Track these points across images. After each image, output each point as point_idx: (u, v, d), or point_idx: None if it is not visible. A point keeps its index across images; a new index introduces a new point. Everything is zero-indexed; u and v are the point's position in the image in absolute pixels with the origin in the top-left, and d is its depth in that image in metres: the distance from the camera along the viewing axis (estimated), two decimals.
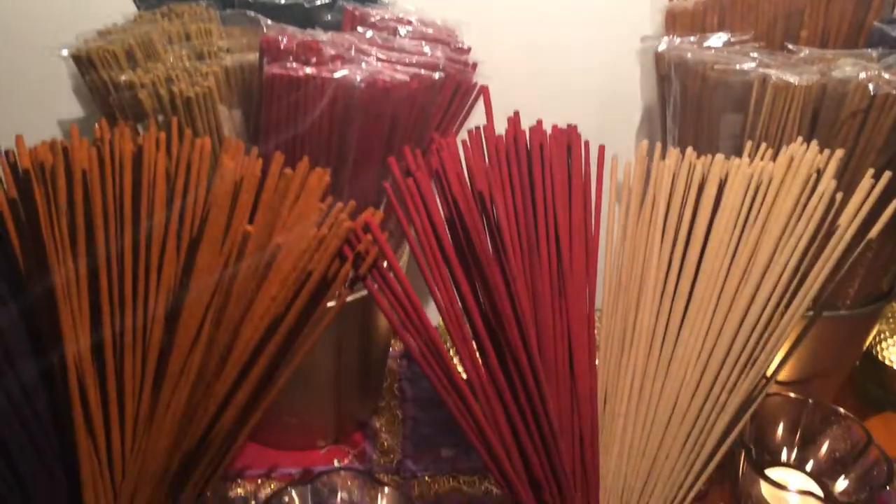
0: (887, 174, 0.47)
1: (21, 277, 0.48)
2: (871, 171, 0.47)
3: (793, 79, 0.58)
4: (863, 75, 0.56)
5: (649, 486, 0.51)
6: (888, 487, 0.73)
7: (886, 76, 0.56)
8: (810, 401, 0.71)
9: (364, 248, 0.46)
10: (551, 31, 0.78)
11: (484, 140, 0.53)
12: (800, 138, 0.50)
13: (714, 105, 0.63)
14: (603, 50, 0.79)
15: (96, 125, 0.52)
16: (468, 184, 0.50)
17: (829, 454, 0.71)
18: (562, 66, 0.79)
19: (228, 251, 0.40)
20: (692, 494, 0.50)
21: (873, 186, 0.46)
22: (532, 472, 0.50)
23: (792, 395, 0.72)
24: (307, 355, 0.67)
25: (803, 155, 0.48)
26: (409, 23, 0.66)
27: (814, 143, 0.48)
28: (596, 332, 0.53)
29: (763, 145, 0.53)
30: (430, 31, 0.66)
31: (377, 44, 0.61)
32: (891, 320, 0.83)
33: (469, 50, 0.66)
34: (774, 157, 0.51)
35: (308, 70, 0.54)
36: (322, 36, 0.58)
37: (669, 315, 0.51)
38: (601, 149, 0.55)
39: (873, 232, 0.46)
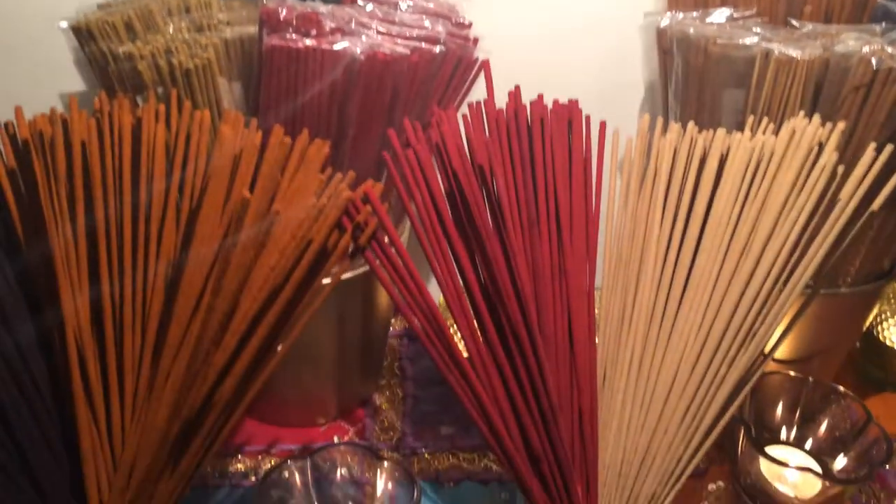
0: (889, 147, 0.47)
1: (20, 248, 0.48)
2: (873, 145, 0.46)
3: (795, 53, 0.58)
4: (866, 49, 0.55)
5: (648, 461, 0.51)
6: (888, 466, 0.74)
7: (890, 50, 0.55)
8: (810, 379, 0.71)
9: (363, 218, 0.45)
10: (553, 6, 0.78)
11: (484, 114, 0.53)
12: (801, 112, 0.50)
13: (716, 80, 0.63)
14: (605, 25, 0.78)
15: (96, 98, 0.52)
16: (468, 157, 0.50)
17: (829, 432, 0.71)
18: (563, 42, 0.79)
19: (228, 220, 0.40)
20: (690, 468, 0.50)
21: (875, 160, 0.46)
22: (531, 446, 0.50)
23: (792, 373, 0.72)
24: (308, 331, 0.67)
25: (805, 128, 0.47)
26: None
27: (816, 117, 0.48)
28: (596, 310, 0.53)
29: (765, 120, 0.53)
30: (431, 5, 0.65)
31: (377, 17, 0.60)
32: (892, 300, 0.83)
33: (470, 25, 0.66)
34: (776, 132, 0.51)
35: (308, 42, 0.53)
36: (322, 8, 0.57)
37: (669, 290, 0.51)
38: (602, 125, 0.55)
39: (875, 204, 0.46)
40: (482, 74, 0.61)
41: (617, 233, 0.53)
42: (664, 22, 0.68)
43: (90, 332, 0.46)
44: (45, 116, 0.49)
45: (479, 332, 0.50)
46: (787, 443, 0.72)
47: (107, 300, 0.46)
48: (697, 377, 0.50)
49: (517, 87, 0.54)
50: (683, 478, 0.51)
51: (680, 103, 0.67)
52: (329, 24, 0.56)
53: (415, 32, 0.59)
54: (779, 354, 0.74)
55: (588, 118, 0.55)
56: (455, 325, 0.51)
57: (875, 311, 0.76)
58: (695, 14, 0.68)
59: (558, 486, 0.50)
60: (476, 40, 0.63)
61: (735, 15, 0.67)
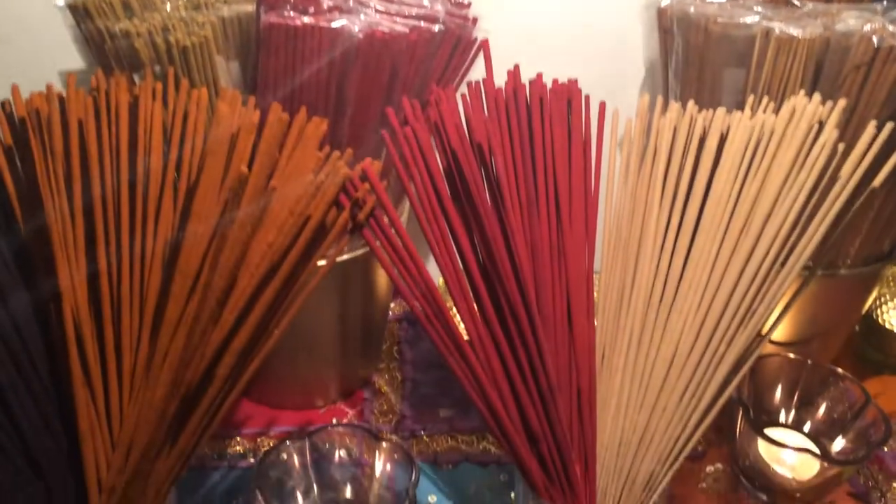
0: (889, 125, 0.46)
1: (18, 227, 0.48)
2: (873, 123, 0.46)
3: (796, 32, 0.57)
4: (867, 28, 0.55)
5: (646, 440, 0.51)
6: (885, 448, 0.74)
7: (891, 28, 0.55)
8: (809, 361, 0.71)
9: (362, 195, 0.45)
10: None
11: (483, 93, 0.52)
12: (802, 91, 0.49)
13: (717, 60, 0.63)
14: (605, 5, 0.78)
15: (93, 76, 0.51)
16: (467, 136, 0.49)
17: (827, 415, 0.71)
18: (563, 22, 0.78)
19: (225, 197, 0.40)
20: (688, 448, 0.51)
21: (875, 137, 0.45)
22: (530, 427, 0.50)
23: (791, 355, 0.72)
24: (308, 314, 0.67)
25: (805, 107, 0.47)
26: None
27: (816, 95, 0.48)
28: (595, 292, 0.52)
29: (765, 99, 0.53)
30: None
31: None
32: (891, 284, 0.83)
33: (469, 4, 0.66)
34: (777, 111, 0.50)
35: (306, 20, 0.53)
36: None
37: (669, 269, 0.51)
38: (602, 105, 0.55)
39: (877, 181, 0.45)
40: (481, 55, 0.60)
41: (616, 213, 0.53)
42: (665, 1, 0.68)
43: (88, 310, 0.46)
44: (41, 95, 0.48)
45: (477, 313, 0.50)
46: (785, 425, 0.73)
47: (104, 278, 0.45)
48: (696, 356, 0.50)
49: (516, 66, 0.53)
50: (681, 457, 0.51)
51: (680, 83, 0.67)
52: (327, 2, 0.55)
53: (413, 11, 0.59)
54: (778, 336, 0.74)
55: (587, 98, 0.54)
56: (454, 306, 0.51)
57: (874, 294, 0.76)
58: None
59: (557, 467, 0.50)
60: (475, 20, 0.63)
61: None
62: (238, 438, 0.73)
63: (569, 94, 0.54)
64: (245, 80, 0.59)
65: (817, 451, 0.66)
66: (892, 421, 0.65)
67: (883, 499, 0.68)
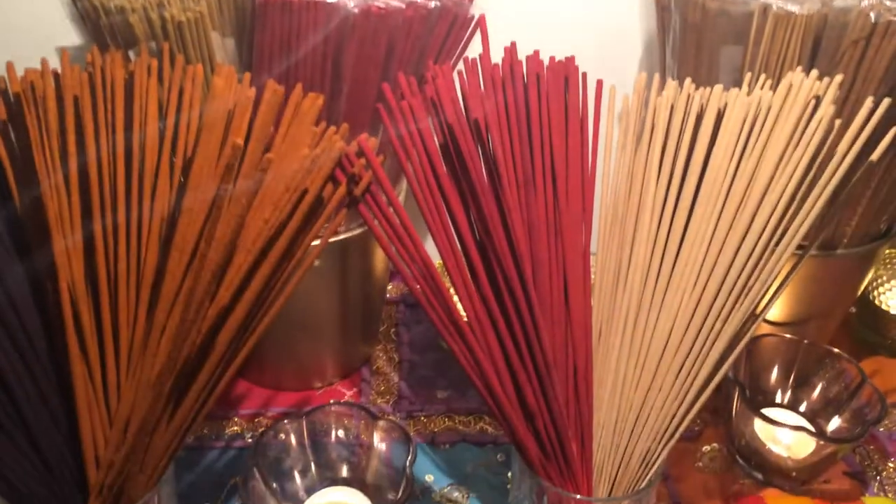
0: (887, 100, 0.46)
1: (13, 203, 0.47)
2: (870, 98, 0.46)
3: (794, 8, 0.57)
4: (864, 3, 0.55)
5: (642, 418, 0.51)
6: (881, 428, 0.74)
7: (888, 3, 0.55)
8: (805, 341, 0.71)
9: (358, 170, 0.45)
10: None
11: (480, 69, 0.52)
12: (799, 67, 0.49)
13: (714, 37, 0.62)
14: None
15: (88, 53, 0.51)
16: (463, 112, 0.49)
17: (823, 395, 0.71)
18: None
19: (221, 171, 0.40)
20: (684, 425, 0.51)
21: (873, 112, 0.45)
22: (526, 403, 0.50)
23: (787, 336, 0.72)
24: (305, 294, 0.67)
25: (802, 82, 0.47)
26: None
27: (813, 71, 0.48)
28: (592, 272, 0.52)
29: (762, 76, 0.53)
30: None
31: None
32: (888, 265, 0.83)
33: None
34: (774, 88, 0.50)
35: None
36: None
37: (665, 247, 0.51)
38: (599, 83, 0.55)
39: (875, 154, 0.45)
40: (478, 34, 0.60)
41: (613, 190, 0.53)
42: None
43: (84, 286, 0.46)
44: (36, 71, 0.48)
45: (475, 291, 0.50)
46: (781, 405, 0.73)
47: (101, 254, 0.45)
48: (692, 334, 0.50)
49: (513, 43, 0.53)
50: (678, 434, 0.51)
51: (677, 61, 0.67)
52: None
53: None
54: (774, 317, 0.74)
55: (584, 75, 0.54)
56: (452, 285, 0.51)
57: (871, 275, 0.76)
58: None
59: (553, 444, 0.50)
60: None
61: None
62: (236, 419, 0.73)
63: (566, 71, 0.54)
64: (241, 56, 0.58)
65: (813, 429, 0.67)
66: (887, 401, 0.66)
67: (878, 477, 0.69)
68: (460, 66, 0.53)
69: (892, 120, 0.48)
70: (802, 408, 0.72)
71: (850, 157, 0.45)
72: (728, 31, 0.61)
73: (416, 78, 0.55)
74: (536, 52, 0.53)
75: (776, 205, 0.47)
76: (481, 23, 0.55)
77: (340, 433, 0.64)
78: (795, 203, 0.47)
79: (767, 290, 0.49)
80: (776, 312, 0.74)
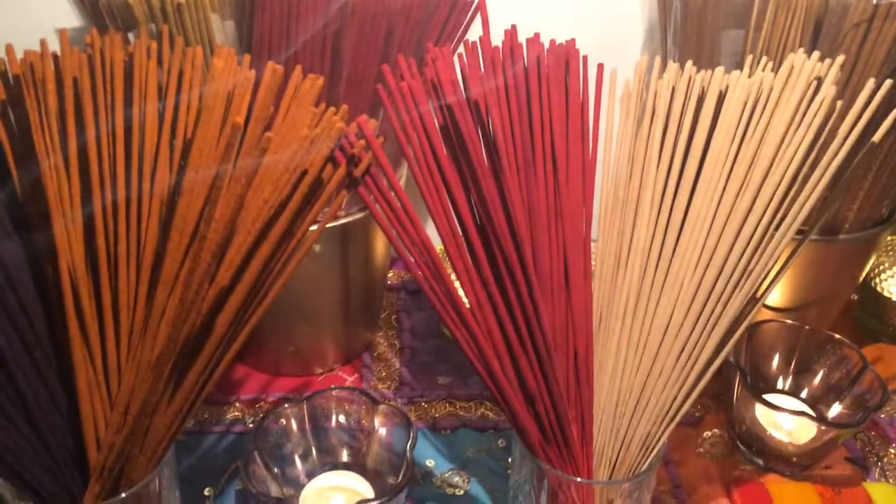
0: (889, 82, 0.46)
1: (13, 185, 0.47)
2: (871, 80, 0.46)
3: None
4: None
5: (643, 402, 0.51)
6: (882, 414, 0.74)
7: None
8: (806, 327, 0.71)
9: (358, 151, 0.45)
10: None
11: (480, 51, 0.52)
12: (801, 49, 0.49)
13: (715, 21, 0.62)
14: None
15: (87, 34, 0.51)
16: (463, 93, 0.49)
17: (824, 381, 0.71)
18: None
19: (221, 152, 0.40)
20: (684, 409, 0.51)
21: (874, 93, 0.45)
22: (526, 386, 0.50)
23: (788, 321, 0.72)
24: (306, 279, 0.67)
25: (803, 63, 0.47)
26: None
27: (815, 53, 0.48)
28: (592, 259, 0.52)
29: (764, 59, 0.52)
30: None
31: None
32: (890, 252, 0.83)
33: None
34: (775, 71, 0.50)
35: None
36: None
37: (666, 230, 0.51)
38: (600, 67, 0.55)
39: (877, 136, 0.45)
40: (478, 18, 0.60)
41: (614, 174, 0.53)
42: None
43: (85, 269, 0.46)
44: (35, 52, 0.48)
45: (475, 273, 0.50)
46: (782, 392, 0.73)
47: (101, 236, 0.45)
48: (692, 318, 0.50)
49: (513, 26, 0.53)
50: (678, 418, 0.51)
51: (678, 46, 0.66)
52: None
53: None
54: (776, 303, 0.74)
55: (585, 59, 0.54)
56: (452, 269, 0.51)
57: (872, 261, 0.76)
58: None
59: (553, 427, 0.50)
60: None
61: None
62: (237, 404, 0.73)
63: (566, 54, 0.53)
64: (241, 40, 0.58)
65: (814, 414, 0.67)
66: (889, 387, 0.66)
67: (879, 463, 0.69)
68: (460, 49, 0.53)
69: (893, 103, 0.48)
70: (804, 394, 0.72)
71: (851, 138, 0.45)
72: (729, 15, 0.61)
73: (416, 62, 0.54)
74: (537, 35, 0.53)
75: (777, 187, 0.47)
76: (481, 6, 0.55)
77: (341, 418, 0.64)
78: (796, 186, 0.47)
79: (767, 274, 0.49)
80: (778, 298, 0.74)
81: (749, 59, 0.54)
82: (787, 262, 0.50)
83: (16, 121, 0.48)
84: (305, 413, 0.62)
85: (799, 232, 0.48)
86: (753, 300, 0.50)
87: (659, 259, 0.51)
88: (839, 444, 0.67)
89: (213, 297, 0.43)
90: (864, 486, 0.66)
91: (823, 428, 0.63)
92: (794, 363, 0.72)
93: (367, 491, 0.61)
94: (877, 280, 0.83)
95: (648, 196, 0.51)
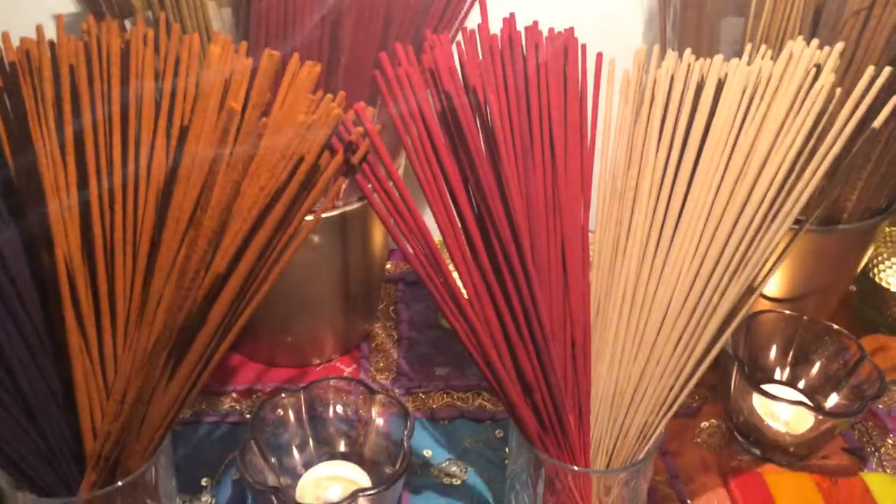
0: (888, 69, 0.46)
1: (10, 173, 0.47)
2: (871, 67, 0.46)
3: None
4: None
5: (640, 391, 0.51)
6: (880, 405, 0.74)
7: None
8: (804, 317, 0.71)
9: (355, 138, 0.45)
10: None
11: (478, 39, 0.52)
12: (800, 36, 0.49)
13: (715, 9, 0.62)
14: None
15: (83, 22, 0.51)
16: (461, 81, 0.49)
17: (822, 371, 0.71)
18: None
19: (217, 139, 0.39)
20: (681, 398, 0.51)
21: (873, 80, 0.45)
22: (524, 376, 0.50)
23: (786, 312, 0.72)
24: (304, 269, 0.67)
25: (802, 51, 0.47)
26: None
27: (814, 40, 0.47)
28: (590, 249, 0.52)
29: (763, 47, 0.52)
30: None
31: None
32: (889, 243, 0.83)
33: None
34: (775, 59, 0.50)
35: None
36: None
37: (664, 219, 0.50)
38: (599, 56, 0.54)
39: (877, 122, 0.45)
40: (477, 7, 0.60)
41: (612, 163, 0.53)
42: None
43: (81, 257, 0.46)
44: (32, 40, 0.48)
45: (473, 264, 0.50)
46: (780, 382, 0.73)
47: (97, 224, 0.45)
48: (689, 307, 0.50)
49: (512, 14, 0.53)
50: (675, 407, 0.51)
51: (678, 34, 0.66)
52: None
53: None
54: (774, 293, 0.74)
55: (584, 47, 0.54)
56: (450, 259, 0.51)
57: (871, 251, 0.76)
58: None
59: (551, 416, 0.50)
60: None
61: None
62: (234, 395, 0.73)
63: (565, 43, 0.53)
64: (237, 26, 0.58)
65: (811, 404, 0.67)
66: (886, 378, 0.66)
67: (877, 453, 0.69)
68: (459, 37, 0.53)
69: (893, 91, 0.47)
70: (801, 384, 0.72)
71: (850, 126, 0.45)
72: (729, 2, 0.61)
73: (414, 50, 0.54)
74: (536, 24, 0.53)
75: (775, 176, 0.47)
76: None
77: (339, 408, 0.64)
78: (794, 174, 0.47)
79: (765, 263, 0.49)
80: (776, 288, 0.74)
81: (748, 47, 0.54)
82: (784, 251, 0.50)
83: (12, 108, 0.47)
84: (303, 403, 0.62)
85: (797, 221, 0.48)
86: (751, 290, 0.50)
87: (657, 248, 0.51)
88: (836, 434, 0.67)
89: (209, 284, 0.43)
90: (861, 476, 0.66)
91: (821, 418, 0.63)
92: (791, 353, 0.72)
93: (364, 481, 0.61)
94: (875, 271, 0.83)
95: (647, 185, 0.51)
